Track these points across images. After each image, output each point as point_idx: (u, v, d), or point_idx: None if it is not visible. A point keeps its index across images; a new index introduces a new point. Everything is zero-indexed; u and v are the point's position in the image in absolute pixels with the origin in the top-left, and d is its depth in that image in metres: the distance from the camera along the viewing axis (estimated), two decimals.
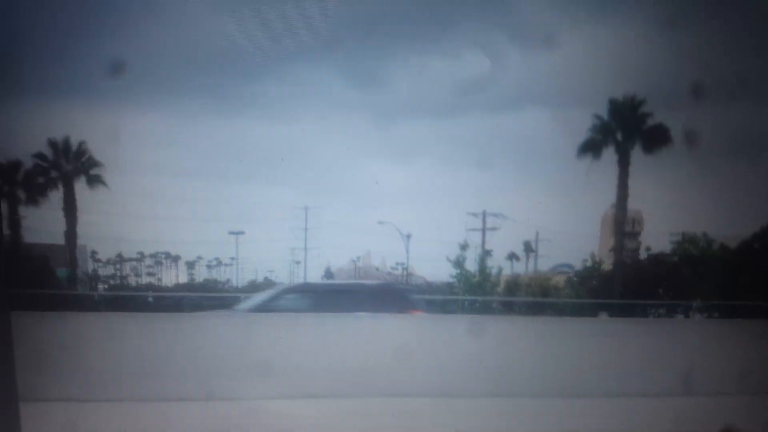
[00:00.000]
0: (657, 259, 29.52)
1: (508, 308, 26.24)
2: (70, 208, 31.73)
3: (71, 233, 31.79)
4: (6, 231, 30.35)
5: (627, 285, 26.02)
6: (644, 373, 8.36)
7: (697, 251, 27.81)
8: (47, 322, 7.65)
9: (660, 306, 24.52)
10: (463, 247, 27.93)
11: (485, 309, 24.75)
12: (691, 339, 8.96)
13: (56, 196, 32.05)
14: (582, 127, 29.10)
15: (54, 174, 31.99)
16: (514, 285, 31.49)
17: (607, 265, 29.24)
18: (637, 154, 28.36)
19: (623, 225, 29.27)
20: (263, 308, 10.11)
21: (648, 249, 33.23)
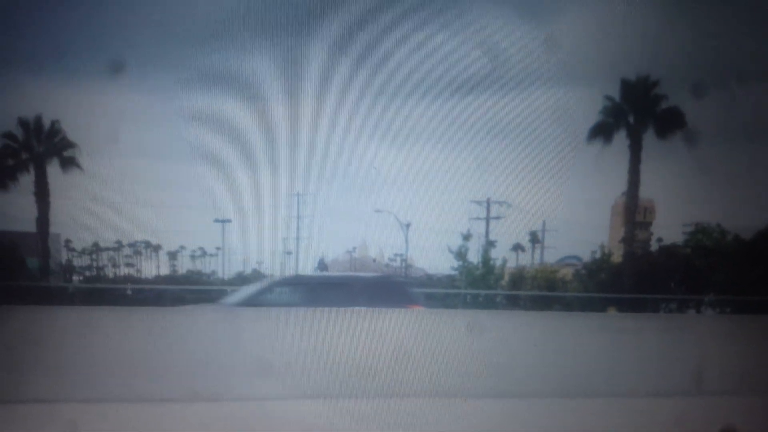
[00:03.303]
0: (669, 251, 29.59)
1: (513, 302, 26.30)
2: (41, 192, 31.58)
3: (43, 220, 31.66)
4: None
5: (637, 278, 26.10)
6: (655, 371, 8.42)
7: (711, 243, 27.88)
8: (17, 316, 7.65)
9: (672, 300, 24.62)
10: (466, 237, 27.95)
11: (489, 303, 24.85)
12: (704, 335, 9.02)
13: (27, 180, 31.84)
14: (592, 109, 29.01)
15: (24, 156, 31.80)
16: (519, 278, 31.53)
17: (617, 257, 29.28)
18: (649, 138, 28.33)
19: (634, 214, 29.29)
20: (252, 302, 10.11)
21: (660, 240, 33.31)
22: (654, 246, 32.93)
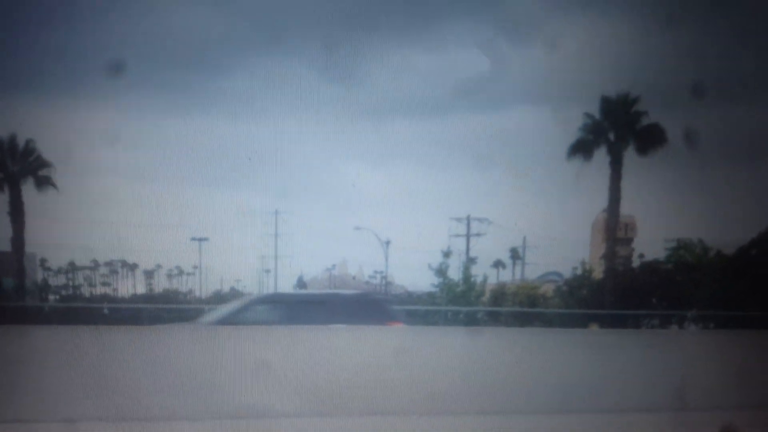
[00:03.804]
0: (650, 267, 29.75)
1: (494, 319, 26.36)
2: (16, 211, 31.29)
3: (18, 239, 31.35)
4: None
5: (619, 294, 26.24)
6: (637, 387, 8.45)
7: (693, 258, 28.07)
8: None
9: (653, 316, 24.75)
10: (446, 254, 27.94)
11: (470, 320, 24.88)
12: (687, 350, 9.07)
13: (1, 199, 31.55)
14: (572, 126, 29.19)
15: None
16: (500, 294, 31.57)
17: (598, 274, 29.41)
18: (630, 155, 28.54)
19: (615, 231, 29.48)
20: (230, 321, 10.07)
21: (641, 256, 33.50)
22: (635, 262, 33.11)
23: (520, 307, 28.68)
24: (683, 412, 8.18)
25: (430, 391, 7.95)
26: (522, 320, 25.86)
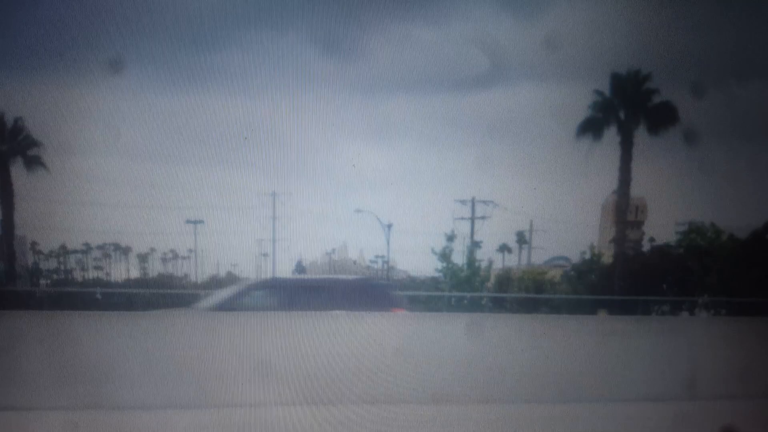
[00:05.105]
0: (661, 251, 29.72)
1: (500, 305, 26.41)
2: (5, 193, 31.23)
3: (8, 222, 31.31)
4: None
5: (628, 279, 26.26)
6: (647, 375, 8.47)
7: (705, 242, 28.04)
8: None
9: (664, 302, 24.78)
10: (450, 237, 27.90)
11: (474, 306, 24.93)
12: (698, 338, 9.09)
13: None
14: (581, 104, 28.92)
15: None
16: (505, 279, 31.54)
17: (608, 258, 29.38)
18: (641, 135, 28.37)
19: (625, 214, 29.41)
20: (227, 306, 10.08)
21: (652, 240, 33.44)
22: (646, 246, 33.08)
23: (526, 293, 28.69)
24: (694, 401, 8.20)
25: (433, 379, 7.97)
26: (528, 306, 25.92)
